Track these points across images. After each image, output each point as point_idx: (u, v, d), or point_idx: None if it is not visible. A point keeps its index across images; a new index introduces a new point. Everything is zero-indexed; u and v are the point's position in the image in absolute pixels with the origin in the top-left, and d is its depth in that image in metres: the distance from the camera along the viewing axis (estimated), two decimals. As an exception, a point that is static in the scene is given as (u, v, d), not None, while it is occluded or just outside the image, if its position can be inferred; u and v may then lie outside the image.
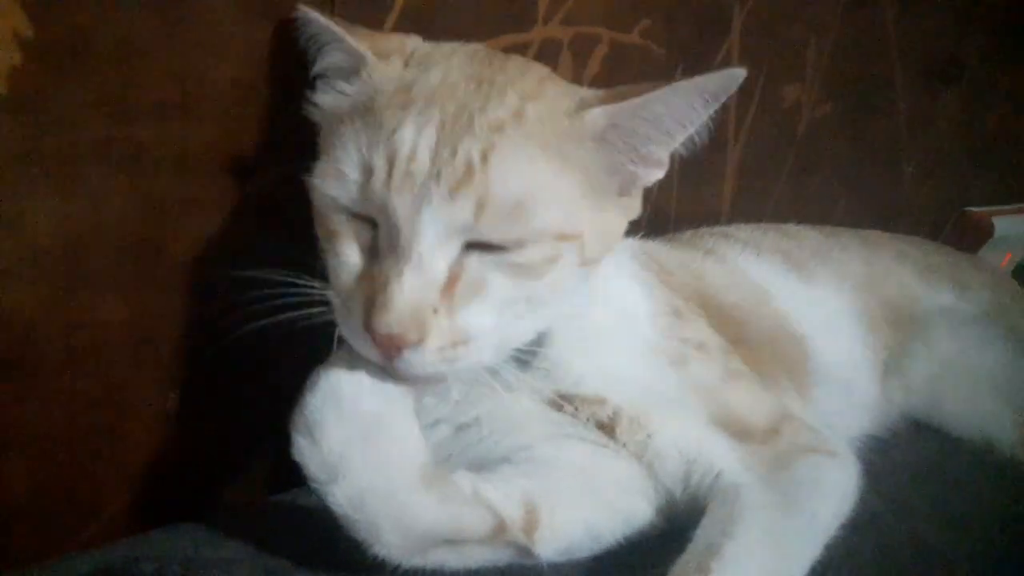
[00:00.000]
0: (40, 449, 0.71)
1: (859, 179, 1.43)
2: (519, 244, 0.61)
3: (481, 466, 0.72)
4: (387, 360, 0.61)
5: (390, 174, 0.60)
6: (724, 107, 1.14)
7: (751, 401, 0.80)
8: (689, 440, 0.75)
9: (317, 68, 0.68)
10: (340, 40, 0.66)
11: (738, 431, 0.77)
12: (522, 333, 0.68)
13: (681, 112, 0.65)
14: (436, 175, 0.59)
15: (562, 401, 0.75)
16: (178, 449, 0.79)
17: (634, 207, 0.72)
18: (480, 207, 0.59)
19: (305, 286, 0.65)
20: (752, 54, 1.15)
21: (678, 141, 0.67)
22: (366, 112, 0.63)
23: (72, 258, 0.68)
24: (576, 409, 0.76)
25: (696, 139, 0.67)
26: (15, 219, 0.65)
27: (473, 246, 0.61)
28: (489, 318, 0.62)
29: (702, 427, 0.76)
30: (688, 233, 1.07)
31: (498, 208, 0.60)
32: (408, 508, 0.61)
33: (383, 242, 0.62)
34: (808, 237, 1.10)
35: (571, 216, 0.64)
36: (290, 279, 0.64)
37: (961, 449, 1.02)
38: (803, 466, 0.76)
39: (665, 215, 1.15)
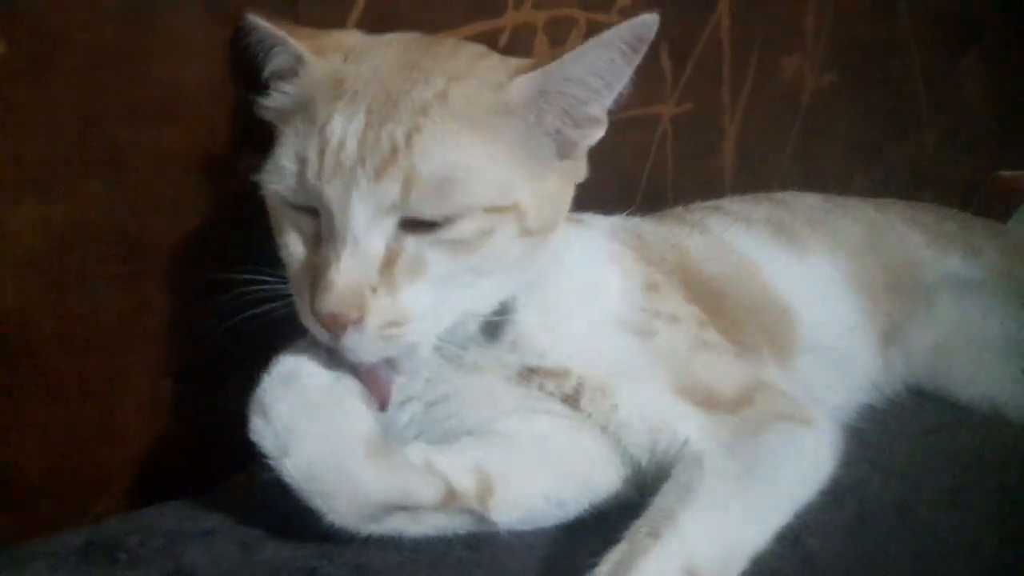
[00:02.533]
0: (43, 434, 0.76)
1: (875, 149, 1.41)
2: (450, 220, 0.64)
3: (450, 441, 0.75)
4: (334, 340, 0.64)
5: (321, 164, 0.63)
6: (717, 80, 1.15)
7: (721, 371, 0.80)
8: (654, 409, 0.76)
9: (266, 72, 0.72)
10: (283, 42, 0.70)
11: (706, 400, 0.78)
12: (474, 300, 0.71)
13: (602, 68, 0.67)
14: (362, 160, 0.62)
15: (528, 375, 0.77)
16: (176, 433, 0.84)
17: (579, 169, 0.74)
18: (407, 185, 0.62)
19: (266, 282, 0.68)
20: (744, 26, 1.15)
21: (609, 98, 0.69)
22: (304, 109, 0.67)
23: (58, 256, 0.73)
24: (541, 383, 0.77)
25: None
26: (2, 221, 0.70)
27: (409, 226, 0.64)
28: (430, 295, 0.65)
29: (667, 397, 0.77)
30: (679, 208, 1.07)
31: (425, 185, 0.62)
32: (355, 478, 0.64)
33: (324, 230, 0.65)
34: (805, 206, 1.09)
35: (502, 189, 0.66)
36: (252, 276, 0.68)
37: (967, 420, 1.01)
38: (772, 434, 0.77)
39: (660, 192, 1.16)
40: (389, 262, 0.64)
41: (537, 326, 0.77)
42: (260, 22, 0.71)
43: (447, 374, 0.77)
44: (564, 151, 0.70)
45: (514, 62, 0.71)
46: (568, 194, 0.73)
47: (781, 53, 1.22)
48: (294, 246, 0.67)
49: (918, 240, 1.08)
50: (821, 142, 1.33)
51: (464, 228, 0.64)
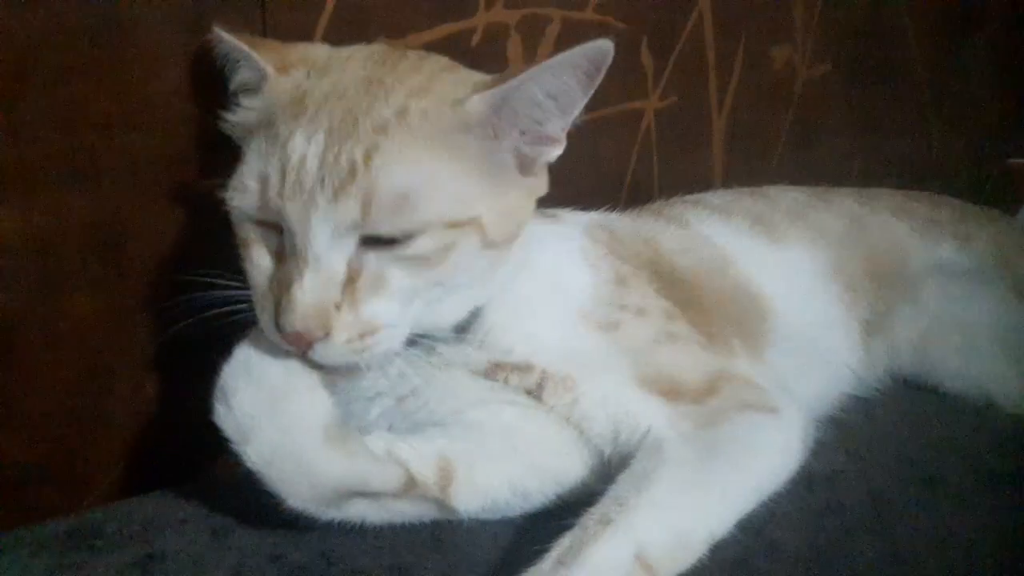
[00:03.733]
0: (32, 429, 0.80)
1: (875, 140, 1.39)
2: (410, 236, 0.66)
3: (419, 432, 0.77)
4: (301, 354, 0.67)
5: (283, 183, 0.65)
6: (702, 73, 1.16)
7: (686, 361, 0.81)
8: (615, 400, 0.77)
9: (233, 85, 0.74)
10: (247, 57, 0.72)
11: (669, 391, 0.78)
12: (446, 314, 0.73)
13: (558, 90, 0.68)
14: (322, 180, 0.64)
15: (494, 370, 0.79)
16: (162, 426, 0.87)
17: (539, 185, 0.75)
18: (366, 205, 0.64)
19: (227, 287, 0.71)
20: (727, 19, 1.15)
21: (566, 120, 0.70)
22: (268, 125, 0.69)
23: (41, 260, 0.77)
24: (507, 377, 0.79)
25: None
26: (-16, 226, 0.74)
27: (370, 243, 0.66)
28: (393, 309, 0.67)
29: (630, 388, 0.78)
30: (658, 203, 1.08)
31: (383, 204, 0.64)
32: (313, 464, 0.66)
33: (287, 246, 0.67)
34: (787, 199, 1.09)
35: (461, 204, 0.68)
36: (218, 281, 0.71)
37: (953, 410, 1.00)
38: (735, 423, 0.77)
39: (646, 187, 1.17)
40: (351, 279, 0.66)
41: (503, 322, 0.78)
42: (225, 36, 0.73)
43: (416, 369, 0.79)
44: (523, 168, 0.72)
45: (476, 78, 0.72)
46: (529, 207, 0.75)
47: (769, 44, 1.22)
48: (259, 260, 0.69)
49: (904, 230, 1.08)
50: (816, 134, 1.32)
51: (424, 244, 0.66)
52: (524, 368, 0.79)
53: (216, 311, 0.71)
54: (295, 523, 0.70)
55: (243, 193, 0.68)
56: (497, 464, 0.76)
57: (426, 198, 0.66)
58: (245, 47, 0.72)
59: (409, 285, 0.68)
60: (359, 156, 0.65)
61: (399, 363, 0.78)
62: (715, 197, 1.08)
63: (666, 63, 1.12)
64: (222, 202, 0.70)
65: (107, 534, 0.73)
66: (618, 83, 1.08)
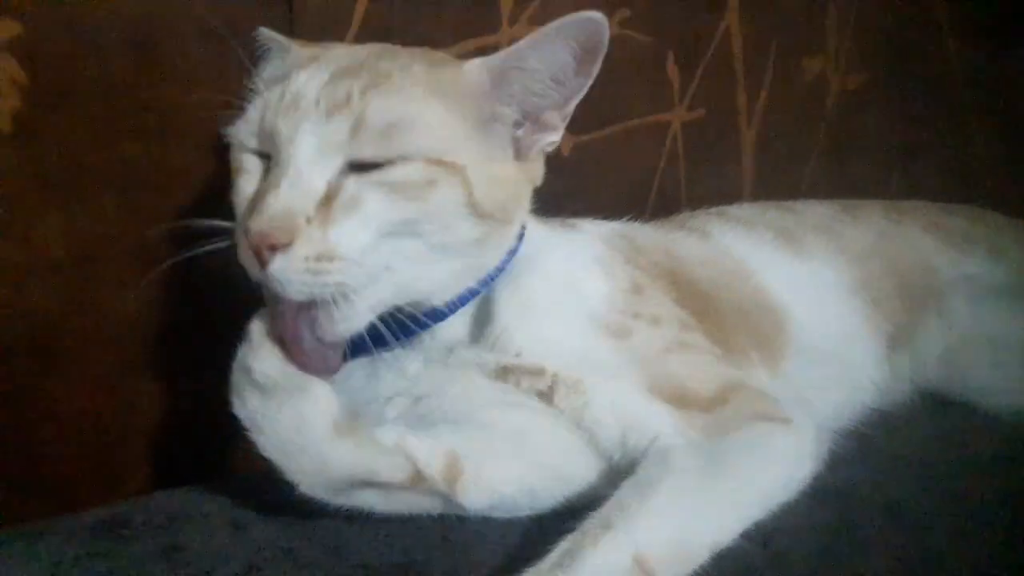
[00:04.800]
0: (68, 424, 0.85)
1: (914, 152, 1.37)
2: (391, 162, 0.67)
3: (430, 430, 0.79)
4: (261, 269, 0.66)
5: (280, 104, 0.69)
6: (731, 85, 1.16)
7: (698, 371, 0.82)
8: (625, 407, 0.78)
9: (263, 74, 0.77)
10: (279, 42, 0.78)
11: (679, 399, 0.79)
12: (428, 283, 0.73)
13: (554, 65, 0.71)
14: (317, 102, 0.68)
15: (505, 373, 0.81)
16: (194, 424, 0.91)
17: (535, 172, 0.77)
18: (355, 128, 0.67)
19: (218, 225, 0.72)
20: (757, 29, 1.15)
21: (564, 101, 0.73)
22: (282, 78, 0.72)
23: (81, 264, 0.82)
24: (518, 380, 0.81)
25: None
26: (29, 234, 0.79)
27: (354, 168, 0.68)
28: (362, 237, 0.67)
29: (639, 394, 0.79)
30: (684, 214, 1.08)
31: (371, 128, 0.67)
32: (323, 453, 0.69)
33: (272, 166, 0.69)
34: (813, 213, 1.08)
35: (448, 145, 0.70)
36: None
37: (982, 426, 0.97)
38: (744, 432, 0.77)
39: (673, 198, 1.17)
40: (328, 199, 0.67)
41: (516, 326, 0.80)
42: (266, 32, 0.79)
43: (431, 371, 0.82)
44: (519, 151, 0.74)
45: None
46: (525, 192, 0.77)
47: (801, 55, 1.22)
48: (244, 185, 0.71)
49: (934, 244, 1.07)
50: (852, 147, 1.31)
51: (404, 171, 0.68)
52: (535, 371, 0.80)
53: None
54: (310, 518, 0.73)
55: (246, 122, 0.72)
56: (505, 463, 0.77)
57: (414, 131, 0.68)
58: (278, 36, 0.77)
59: (384, 215, 0.67)
60: (357, 89, 0.68)
61: (415, 364, 0.81)
62: (740, 209, 1.08)
63: (693, 75, 1.13)
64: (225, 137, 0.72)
65: (134, 525, 0.77)
66: (643, 95, 1.09)
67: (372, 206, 0.67)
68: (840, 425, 0.92)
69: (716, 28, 1.13)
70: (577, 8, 1.00)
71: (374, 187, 0.67)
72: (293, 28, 0.86)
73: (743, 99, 1.19)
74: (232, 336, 0.73)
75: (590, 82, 0.71)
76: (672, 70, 1.11)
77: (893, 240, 1.07)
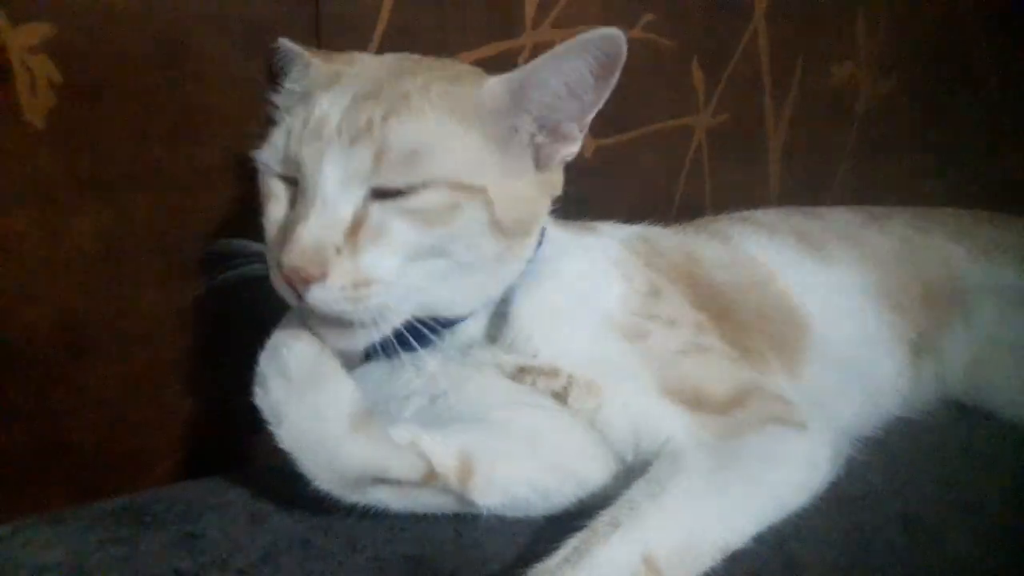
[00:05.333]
0: (97, 415, 0.87)
1: (947, 159, 1.35)
2: (415, 189, 0.69)
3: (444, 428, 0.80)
4: (298, 298, 0.68)
5: (303, 131, 0.70)
6: (757, 90, 1.16)
7: (714, 373, 0.82)
8: (637, 408, 0.79)
9: (286, 85, 0.80)
10: (300, 54, 0.79)
11: (693, 401, 0.79)
12: (452, 297, 0.75)
13: (572, 79, 0.71)
14: (339, 131, 0.69)
15: (521, 373, 0.82)
16: (219, 416, 0.93)
17: (555, 182, 0.78)
18: (378, 156, 0.68)
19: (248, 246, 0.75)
20: (783, 35, 1.15)
21: (582, 114, 0.73)
22: (304, 99, 0.74)
23: (111, 260, 0.85)
24: (534, 380, 0.81)
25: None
26: (62, 230, 0.82)
27: (378, 195, 0.69)
28: (392, 264, 0.69)
29: (653, 396, 0.79)
30: (706, 219, 1.08)
31: (394, 156, 0.68)
32: (338, 449, 0.70)
33: (299, 195, 0.71)
34: (838, 218, 1.08)
35: (469, 168, 0.71)
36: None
37: (1006, 436, 0.96)
38: (758, 435, 0.77)
39: (696, 203, 1.17)
40: (355, 227, 0.69)
41: (532, 327, 0.81)
42: (289, 43, 0.80)
43: (448, 370, 0.83)
44: (538, 161, 0.75)
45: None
46: (544, 204, 0.78)
47: (829, 61, 1.21)
48: (273, 211, 0.73)
49: (960, 251, 1.05)
50: (883, 153, 1.30)
51: (428, 198, 0.69)
52: (551, 372, 0.81)
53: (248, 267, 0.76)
54: (327, 511, 0.74)
55: (270, 147, 0.73)
56: (518, 463, 0.77)
57: (435, 157, 0.69)
58: (301, 48, 0.79)
59: (411, 241, 0.69)
60: (378, 115, 0.69)
61: (433, 363, 0.82)
62: (764, 214, 1.08)
63: (718, 80, 1.13)
64: (253, 161, 0.74)
65: (156, 513, 0.78)
66: (667, 100, 1.09)
67: (399, 233, 0.69)
68: (861, 432, 0.92)
69: (742, 33, 1.13)
70: (602, 11, 1.02)
71: (399, 214, 0.69)
72: (319, 31, 0.88)
73: (769, 104, 1.18)
74: (255, 334, 0.75)
75: (608, 94, 0.72)
76: (696, 75, 1.11)
77: (919, 247, 1.05)
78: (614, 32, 0.70)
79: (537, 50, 1.00)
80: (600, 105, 0.72)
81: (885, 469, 0.89)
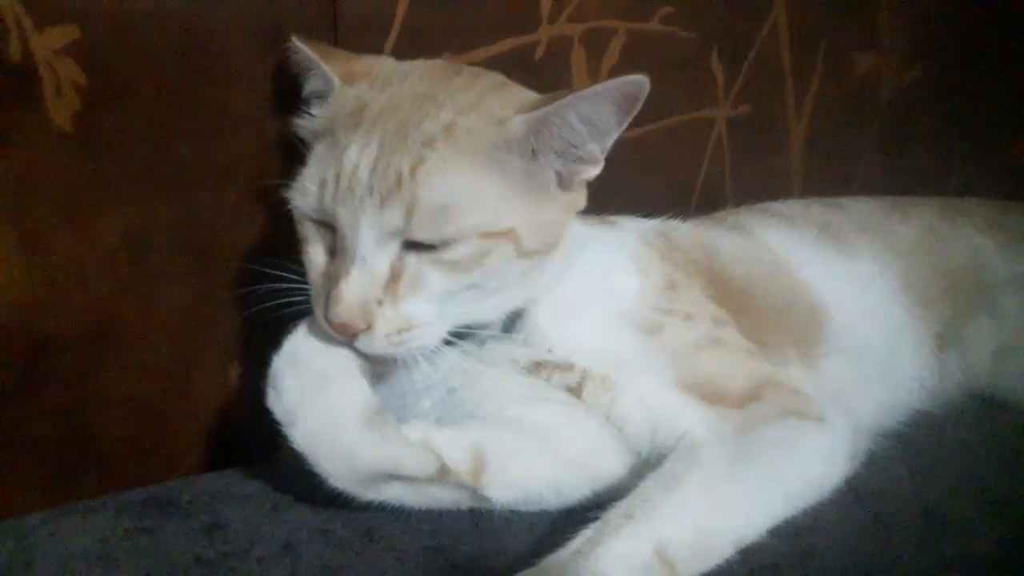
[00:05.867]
0: (125, 408, 0.89)
1: (974, 149, 1.33)
2: (447, 243, 0.71)
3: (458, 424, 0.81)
4: (348, 343, 0.73)
5: (337, 188, 0.72)
6: (778, 81, 1.15)
7: (729, 367, 0.82)
8: (653, 402, 0.79)
9: (305, 92, 0.81)
10: (318, 66, 0.79)
11: (709, 395, 0.79)
12: (485, 313, 0.78)
13: (593, 118, 0.72)
14: (371, 188, 0.70)
15: (537, 367, 0.82)
16: (243, 409, 0.95)
17: (578, 200, 0.79)
18: (408, 214, 0.70)
19: (291, 279, 0.78)
20: (805, 25, 1.13)
21: (602, 144, 0.75)
22: (330, 132, 0.76)
23: (136, 256, 0.86)
24: (549, 374, 0.82)
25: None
26: (89, 227, 0.84)
27: (411, 247, 0.72)
28: (430, 308, 0.73)
29: (669, 390, 0.79)
30: (725, 211, 1.08)
31: (424, 213, 0.70)
32: (351, 447, 0.71)
33: (339, 245, 0.74)
34: (860, 209, 1.06)
35: (497, 216, 0.73)
36: (281, 274, 0.78)
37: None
38: (775, 429, 0.77)
39: (718, 195, 1.17)
40: (393, 278, 0.72)
41: (547, 322, 0.82)
42: (301, 45, 0.80)
43: (465, 365, 0.84)
44: (564, 183, 0.76)
45: (525, 97, 0.77)
46: (566, 220, 0.79)
47: (852, 50, 1.19)
48: (315, 256, 0.76)
49: (987, 242, 1.04)
50: (908, 144, 1.28)
51: (460, 251, 0.72)
52: (566, 367, 0.82)
53: (282, 300, 0.78)
54: (346, 503, 0.75)
55: (304, 195, 0.75)
56: (532, 458, 0.78)
57: (464, 210, 0.71)
58: (316, 57, 0.79)
59: (446, 287, 0.73)
60: (406, 168, 0.71)
61: (450, 357, 0.83)
62: (784, 206, 1.07)
63: (738, 71, 1.13)
64: (286, 201, 0.77)
65: (180, 503, 0.81)
66: (687, 91, 1.09)
67: (434, 281, 0.73)
68: (883, 425, 0.91)
69: (762, 23, 1.12)
70: (622, 5, 1.02)
71: (433, 265, 0.72)
72: (336, 27, 0.89)
73: (791, 95, 1.17)
74: (275, 331, 0.76)
75: (628, 122, 0.73)
76: (716, 66, 1.10)
77: (945, 238, 1.04)
78: (639, 79, 0.71)
79: (553, 45, 1.00)
80: (622, 130, 0.73)
81: (907, 463, 0.88)
